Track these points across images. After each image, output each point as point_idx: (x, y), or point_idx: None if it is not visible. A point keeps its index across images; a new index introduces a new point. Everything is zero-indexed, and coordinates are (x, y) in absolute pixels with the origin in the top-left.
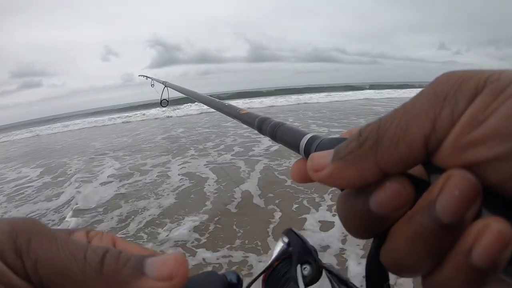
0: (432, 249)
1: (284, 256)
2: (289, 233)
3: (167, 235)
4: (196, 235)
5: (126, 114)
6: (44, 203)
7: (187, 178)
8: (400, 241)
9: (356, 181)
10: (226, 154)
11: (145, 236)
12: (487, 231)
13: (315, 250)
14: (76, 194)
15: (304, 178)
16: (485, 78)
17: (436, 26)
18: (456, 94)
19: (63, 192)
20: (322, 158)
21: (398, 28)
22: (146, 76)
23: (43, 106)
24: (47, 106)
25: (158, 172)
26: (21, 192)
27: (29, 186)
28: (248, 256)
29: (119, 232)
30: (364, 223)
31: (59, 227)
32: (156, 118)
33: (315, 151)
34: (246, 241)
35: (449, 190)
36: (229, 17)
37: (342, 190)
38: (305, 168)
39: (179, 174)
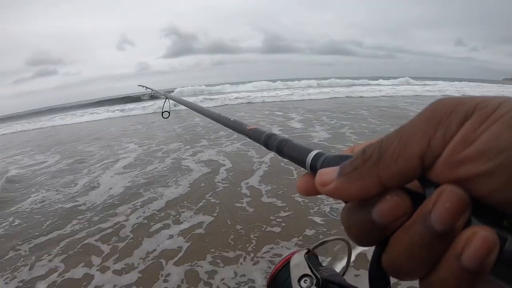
0: (427, 254)
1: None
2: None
3: None
4: None
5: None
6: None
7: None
8: (400, 248)
9: (359, 195)
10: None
11: None
12: (475, 238)
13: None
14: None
15: (310, 191)
16: (475, 104)
17: (453, 22)
18: (449, 118)
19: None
20: (329, 173)
21: (415, 23)
22: (145, 87)
23: (59, 93)
24: (62, 93)
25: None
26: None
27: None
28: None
29: None
30: (366, 232)
31: None
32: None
33: (321, 167)
34: None
35: (442, 203)
36: (244, 7)
37: (346, 202)
38: (311, 182)
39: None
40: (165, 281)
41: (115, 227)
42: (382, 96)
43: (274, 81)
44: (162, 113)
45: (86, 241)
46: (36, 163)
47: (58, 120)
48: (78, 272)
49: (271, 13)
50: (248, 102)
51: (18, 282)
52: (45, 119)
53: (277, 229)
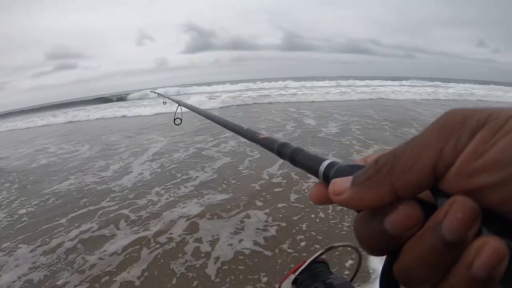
0: (439, 263)
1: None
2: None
3: None
4: None
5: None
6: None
7: None
8: (411, 257)
9: (372, 204)
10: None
11: None
12: (485, 247)
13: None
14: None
15: (323, 200)
16: (486, 116)
17: (475, 22)
18: (460, 128)
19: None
20: (342, 183)
21: (435, 22)
22: (158, 93)
23: (77, 87)
24: (81, 87)
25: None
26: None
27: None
28: None
29: None
30: (378, 241)
31: None
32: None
33: (334, 176)
34: None
35: (453, 213)
36: (264, 4)
37: (358, 212)
38: (324, 191)
39: None
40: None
41: (148, 203)
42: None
43: (286, 79)
44: (174, 119)
45: (118, 212)
46: (67, 152)
47: (80, 114)
48: (107, 230)
49: (289, 10)
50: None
51: (57, 244)
52: (64, 112)
53: None
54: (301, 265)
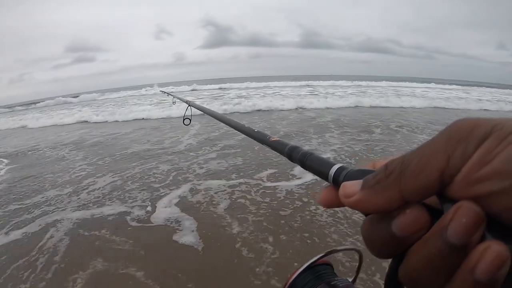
0: (443, 267)
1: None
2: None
3: None
4: None
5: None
6: None
7: None
8: (417, 260)
9: (381, 207)
10: None
11: None
12: (488, 252)
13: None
14: None
15: (332, 203)
16: (492, 126)
17: (495, 24)
18: (468, 137)
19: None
20: (352, 186)
21: (455, 23)
22: (167, 93)
23: (97, 80)
24: (100, 80)
25: None
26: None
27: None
28: None
29: None
30: (385, 244)
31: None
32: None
33: (343, 180)
34: None
35: (459, 218)
36: (282, 1)
37: (366, 215)
38: (333, 195)
39: None
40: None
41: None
42: None
43: (299, 78)
44: (184, 119)
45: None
46: (114, 133)
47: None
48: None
49: (309, 7)
50: None
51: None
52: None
53: None
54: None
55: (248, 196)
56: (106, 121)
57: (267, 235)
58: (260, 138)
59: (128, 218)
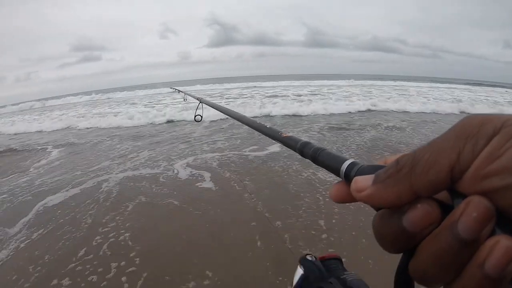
0: (453, 261)
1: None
2: (304, 261)
3: None
4: None
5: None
6: None
7: None
8: (428, 254)
9: (392, 201)
10: None
11: None
12: (497, 246)
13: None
14: None
15: (343, 198)
16: (502, 122)
17: (501, 23)
18: (477, 133)
19: None
20: (364, 181)
21: (460, 22)
22: (178, 90)
23: (102, 79)
24: (106, 79)
25: None
26: None
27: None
28: None
29: None
30: (396, 239)
31: None
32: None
33: (355, 175)
34: None
35: (469, 212)
36: (287, 0)
37: (377, 210)
38: (345, 190)
39: None
40: None
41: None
42: None
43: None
44: (195, 116)
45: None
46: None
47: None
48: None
49: (314, 6)
50: None
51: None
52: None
53: None
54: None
55: (235, 159)
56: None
57: (246, 177)
58: (271, 134)
59: (160, 175)
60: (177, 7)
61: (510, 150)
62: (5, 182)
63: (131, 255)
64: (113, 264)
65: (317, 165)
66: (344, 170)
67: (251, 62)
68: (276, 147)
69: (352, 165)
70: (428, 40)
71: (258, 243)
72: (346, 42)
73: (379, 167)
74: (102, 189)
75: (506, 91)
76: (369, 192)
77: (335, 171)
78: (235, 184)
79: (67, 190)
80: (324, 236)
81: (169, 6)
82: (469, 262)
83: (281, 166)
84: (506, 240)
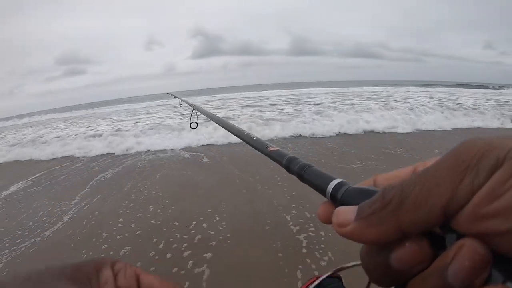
0: None
1: None
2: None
3: None
4: None
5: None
6: None
7: None
8: None
9: (377, 240)
10: None
11: None
12: None
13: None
14: None
15: (329, 220)
16: (506, 152)
17: (482, 24)
18: (477, 165)
19: None
20: (346, 215)
21: (442, 25)
22: (174, 95)
23: (88, 91)
24: (92, 92)
25: None
26: None
27: None
28: None
29: None
30: (384, 274)
31: None
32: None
33: (341, 197)
34: None
35: (460, 259)
36: (271, 9)
37: None
38: (331, 211)
39: None
40: None
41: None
42: None
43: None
44: (190, 124)
45: None
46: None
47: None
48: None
49: (298, 14)
50: None
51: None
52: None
53: None
54: (314, 281)
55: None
56: None
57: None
58: (258, 146)
59: (173, 157)
60: (161, 18)
61: None
62: None
63: (161, 200)
64: (150, 208)
65: (303, 182)
66: (330, 191)
67: (237, 72)
68: None
69: (339, 185)
70: (411, 44)
71: None
72: (330, 48)
73: (367, 191)
74: (137, 165)
75: (491, 92)
76: (351, 229)
77: (321, 191)
78: None
79: None
80: None
81: (154, 19)
82: None
83: None
84: None
